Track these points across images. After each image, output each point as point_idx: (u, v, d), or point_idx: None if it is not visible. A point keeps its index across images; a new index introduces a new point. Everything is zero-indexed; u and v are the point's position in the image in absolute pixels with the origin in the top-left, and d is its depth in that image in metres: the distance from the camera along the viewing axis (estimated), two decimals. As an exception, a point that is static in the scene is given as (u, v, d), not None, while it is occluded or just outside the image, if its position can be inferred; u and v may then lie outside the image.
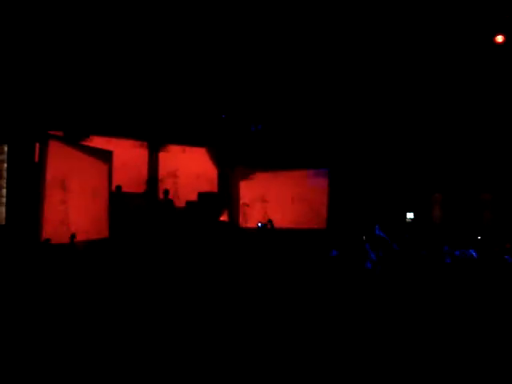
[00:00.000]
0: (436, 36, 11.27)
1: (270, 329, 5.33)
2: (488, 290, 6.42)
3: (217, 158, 15.35)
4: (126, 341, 5.03)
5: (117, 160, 12.58)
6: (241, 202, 14.84)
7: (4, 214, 9.79)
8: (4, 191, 9.88)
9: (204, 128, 14.56)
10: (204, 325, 5.23)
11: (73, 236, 9.95)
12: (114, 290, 7.64)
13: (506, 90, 12.56)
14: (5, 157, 9.96)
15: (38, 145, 10.21)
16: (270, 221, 13.49)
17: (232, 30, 10.96)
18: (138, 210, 13.07)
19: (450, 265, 8.15)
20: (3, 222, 9.75)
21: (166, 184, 14.25)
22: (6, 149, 9.95)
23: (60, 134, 11.84)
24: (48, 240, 9.54)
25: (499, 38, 10.51)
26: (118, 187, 12.78)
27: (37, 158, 10.20)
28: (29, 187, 9.94)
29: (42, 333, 5.15)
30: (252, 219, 14.59)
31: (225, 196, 14.98)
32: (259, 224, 13.37)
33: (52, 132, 11.03)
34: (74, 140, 12.29)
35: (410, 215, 15.26)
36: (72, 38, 10.69)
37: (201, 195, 14.18)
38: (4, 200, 9.84)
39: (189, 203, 14.03)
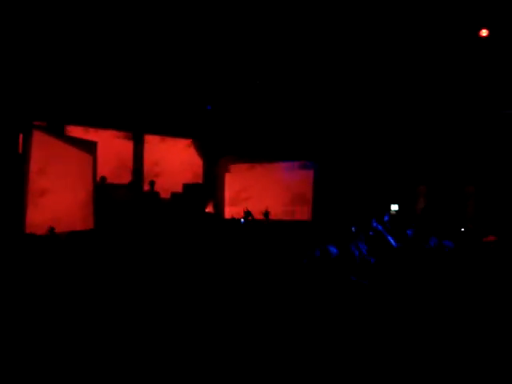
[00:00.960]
0: (422, 31, 11.30)
1: (256, 322, 5.34)
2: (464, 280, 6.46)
3: (202, 149, 15.36)
4: (110, 335, 5.02)
5: (101, 151, 12.52)
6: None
7: (-12, 205, 9.73)
8: (-13, 182, 9.82)
9: (189, 119, 14.54)
10: (191, 318, 5.23)
11: (52, 229, 9.89)
12: (99, 281, 7.62)
13: (489, 83, 12.65)
14: (-12, 148, 9.90)
15: (21, 135, 10.15)
16: (248, 212, 13.43)
17: (218, 22, 10.90)
18: (123, 202, 13.03)
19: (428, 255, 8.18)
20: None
21: (150, 175, 14.23)
22: (-12, 140, 9.90)
23: (44, 124, 11.77)
24: (32, 233, 9.50)
25: (484, 32, 10.58)
26: (103, 178, 12.73)
27: (20, 149, 10.14)
28: (12, 178, 9.88)
29: (26, 329, 5.13)
30: (237, 211, 14.59)
31: (210, 187, 14.99)
32: (242, 220, 13.31)
33: (36, 123, 10.96)
34: (57, 131, 12.23)
35: (394, 207, 15.34)
36: (54, 28, 10.58)
37: (186, 186, 14.17)
38: (-13, 191, 9.79)
39: (174, 194, 14.02)
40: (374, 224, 9.11)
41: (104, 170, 12.82)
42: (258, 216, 13.63)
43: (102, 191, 12.56)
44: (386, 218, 10.90)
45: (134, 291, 6.94)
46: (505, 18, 10.61)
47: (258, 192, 15.08)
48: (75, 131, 12.78)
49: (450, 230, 12.01)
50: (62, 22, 10.49)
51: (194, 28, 11.10)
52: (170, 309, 5.98)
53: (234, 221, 13.40)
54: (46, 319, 5.52)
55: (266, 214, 13.49)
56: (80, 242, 9.98)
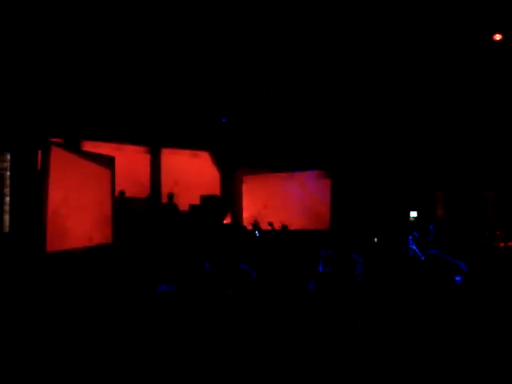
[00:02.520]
0: (436, 36, 11.27)
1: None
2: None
3: (219, 161, 15.42)
4: (128, 347, 5.05)
5: (119, 165, 12.63)
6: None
7: (8, 222, 9.86)
8: (7, 199, 9.95)
9: (205, 132, 14.60)
10: (208, 333, 5.23)
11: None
12: (118, 295, 7.66)
13: (506, 87, 12.55)
14: (7, 165, 10.03)
15: (40, 152, 10.27)
16: (255, 224, 13.47)
17: (230, 35, 10.97)
18: (141, 215, 13.11)
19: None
20: (7, 230, 9.81)
21: (168, 188, 14.30)
22: (8, 157, 10.03)
23: (61, 140, 11.91)
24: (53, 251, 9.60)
25: (497, 36, 10.51)
26: (122, 192, 12.84)
27: (39, 166, 10.25)
28: (32, 195, 10.00)
29: (47, 343, 5.18)
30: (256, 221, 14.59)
31: (228, 199, 15.03)
32: (256, 232, 13.28)
33: (53, 139, 11.09)
34: (75, 147, 12.36)
35: (413, 214, 15.26)
36: (70, 45, 10.72)
37: (204, 198, 14.22)
38: (7, 208, 9.91)
39: (192, 207, 14.08)
40: (410, 244, 9.00)
41: (122, 184, 12.92)
42: (277, 227, 13.64)
43: (121, 205, 12.66)
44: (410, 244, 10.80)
45: (152, 303, 6.97)
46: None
47: (276, 202, 15.07)
48: (93, 147, 12.90)
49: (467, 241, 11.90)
50: (77, 40, 10.63)
51: (207, 41, 11.17)
52: (189, 323, 5.99)
53: (251, 232, 13.42)
54: (66, 334, 5.58)
55: (284, 227, 13.49)
56: (100, 257, 10.06)
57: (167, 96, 13.23)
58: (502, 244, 11.68)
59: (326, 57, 12.12)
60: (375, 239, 11.20)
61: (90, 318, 6.30)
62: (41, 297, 7.20)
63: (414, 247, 8.98)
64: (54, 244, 9.83)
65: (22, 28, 9.71)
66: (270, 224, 13.21)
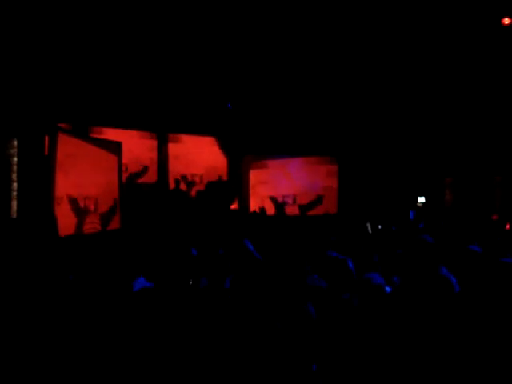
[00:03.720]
0: (440, 23, 11.17)
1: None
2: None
3: (226, 147, 15.40)
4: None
5: (126, 151, 12.65)
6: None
7: (16, 208, 9.89)
8: (15, 185, 9.98)
9: (212, 117, 14.57)
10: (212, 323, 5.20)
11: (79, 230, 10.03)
12: (126, 279, 7.67)
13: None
14: (15, 151, 10.05)
15: (47, 138, 10.28)
16: (262, 209, 13.56)
17: (234, 23, 10.93)
18: (149, 201, 13.14)
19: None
20: (15, 216, 9.85)
21: (176, 174, 14.32)
22: (15, 143, 10.04)
23: (69, 126, 11.92)
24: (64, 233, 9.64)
25: (506, 20, 10.40)
26: (129, 178, 12.87)
27: (46, 151, 10.26)
28: (39, 181, 10.02)
29: (54, 332, 5.19)
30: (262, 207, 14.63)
31: (235, 184, 15.03)
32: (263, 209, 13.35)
33: (61, 124, 11.10)
34: (82, 132, 12.37)
35: (421, 199, 15.21)
36: (77, 31, 10.71)
37: (211, 184, 14.24)
38: (15, 194, 9.94)
39: (199, 192, 14.10)
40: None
41: (129, 170, 12.96)
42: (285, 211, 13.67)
43: (128, 191, 12.68)
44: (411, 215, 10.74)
45: (162, 291, 6.96)
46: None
47: (283, 187, 15.07)
48: (100, 132, 12.91)
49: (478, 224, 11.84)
50: (87, 27, 10.62)
51: (212, 28, 11.13)
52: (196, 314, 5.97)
53: (257, 216, 13.45)
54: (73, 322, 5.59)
55: (262, 210, 13.57)
56: (108, 242, 10.09)
57: (174, 82, 13.21)
58: (508, 226, 11.62)
59: (334, 43, 12.06)
60: (379, 226, 11.15)
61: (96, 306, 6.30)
62: (48, 281, 7.22)
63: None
64: (62, 229, 9.85)
65: (28, 15, 9.70)
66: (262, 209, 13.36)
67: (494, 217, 12.48)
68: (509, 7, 10.41)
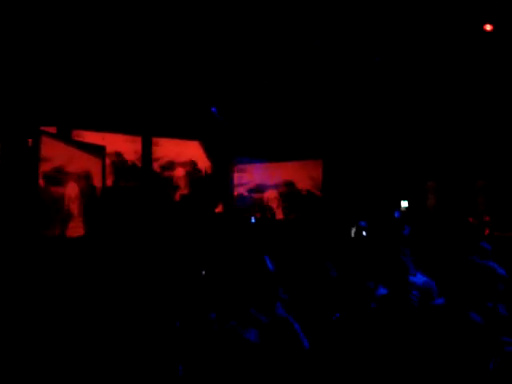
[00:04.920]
0: (425, 28, 11.26)
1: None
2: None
3: (210, 151, 15.39)
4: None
5: (110, 155, 12.61)
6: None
7: (-2, 211, 9.82)
8: (-3, 188, 9.91)
9: (196, 121, 14.57)
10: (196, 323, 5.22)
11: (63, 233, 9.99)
12: (107, 285, 7.65)
13: (496, 78, 12.57)
14: (-3, 154, 9.99)
15: (30, 141, 10.23)
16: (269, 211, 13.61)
17: (221, 24, 10.95)
18: (133, 204, 13.11)
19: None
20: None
21: (160, 178, 14.29)
22: (-2, 146, 9.99)
23: (52, 129, 11.86)
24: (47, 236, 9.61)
25: (488, 27, 10.51)
26: (112, 182, 12.82)
27: (30, 155, 10.21)
28: (23, 184, 9.96)
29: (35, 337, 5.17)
30: (248, 211, 14.68)
31: (219, 188, 15.04)
32: (252, 219, 13.40)
33: (44, 128, 11.04)
34: (66, 136, 12.32)
35: (404, 204, 15.29)
36: (62, 33, 10.67)
37: (195, 188, 14.23)
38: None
39: (184, 196, 14.08)
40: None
41: (113, 173, 12.90)
42: (269, 215, 13.70)
43: (112, 195, 12.64)
44: (396, 215, 10.84)
45: (139, 294, 6.95)
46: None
47: (267, 191, 15.11)
48: (84, 136, 12.86)
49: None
50: (68, 27, 10.58)
51: (196, 33, 11.14)
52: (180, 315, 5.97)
53: (244, 220, 13.46)
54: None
55: (273, 214, 13.62)
56: (89, 246, 10.05)
57: (159, 85, 13.20)
58: (487, 231, 11.78)
59: (317, 46, 12.11)
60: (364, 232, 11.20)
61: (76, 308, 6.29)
62: (31, 282, 7.18)
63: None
64: (45, 232, 9.82)
65: (11, 17, 9.65)
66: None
67: (471, 219, 12.63)
68: (491, 13, 10.53)
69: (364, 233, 10.30)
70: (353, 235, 10.61)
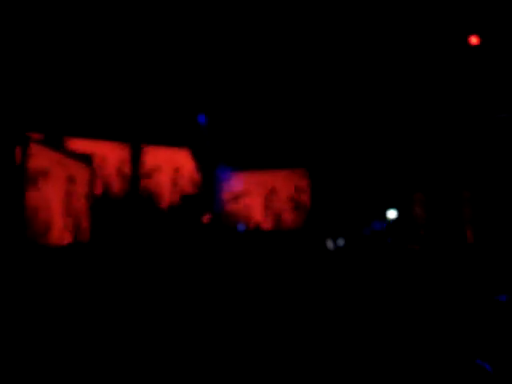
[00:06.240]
0: (414, 37, 11.37)
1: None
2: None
3: (199, 159, 15.37)
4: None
5: (99, 163, 12.59)
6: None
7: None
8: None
9: (186, 129, 14.57)
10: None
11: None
12: (99, 293, 7.65)
13: (483, 87, 12.69)
14: (-15, 161, 9.94)
15: (18, 148, 10.20)
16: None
17: (207, 36, 11.02)
18: (121, 213, 13.08)
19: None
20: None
21: (149, 186, 14.26)
22: (-15, 153, 9.94)
23: (41, 137, 11.83)
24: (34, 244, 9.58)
25: (474, 40, 10.63)
26: (101, 190, 12.79)
27: (18, 162, 10.18)
28: (10, 191, 9.93)
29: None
30: (234, 220, 14.68)
31: (207, 197, 15.02)
32: (240, 226, 13.42)
33: (33, 135, 11.01)
34: (55, 143, 12.28)
35: (392, 214, 15.33)
36: (52, 40, 10.68)
37: (183, 197, 14.22)
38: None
39: (172, 206, 14.06)
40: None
41: (102, 182, 12.87)
42: (256, 225, 13.69)
43: (100, 203, 12.60)
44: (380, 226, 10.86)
45: (131, 303, 6.97)
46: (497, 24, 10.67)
47: (256, 201, 15.11)
48: (73, 143, 12.82)
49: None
50: (59, 35, 10.59)
51: (185, 40, 11.19)
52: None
53: (231, 230, 13.47)
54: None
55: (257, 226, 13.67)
56: (76, 254, 10.02)
57: (149, 93, 13.22)
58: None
59: (305, 53, 12.18)
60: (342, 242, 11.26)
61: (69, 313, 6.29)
62: (18, 291, 7.16)
63: None
64: (32, 240, 9.78)
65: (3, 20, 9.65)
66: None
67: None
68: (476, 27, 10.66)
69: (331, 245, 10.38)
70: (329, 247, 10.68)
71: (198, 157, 15.36)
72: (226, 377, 4.18)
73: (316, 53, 12.13)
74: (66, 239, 10.89)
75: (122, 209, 13.28)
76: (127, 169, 14.31)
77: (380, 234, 13.04)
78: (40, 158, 10.45)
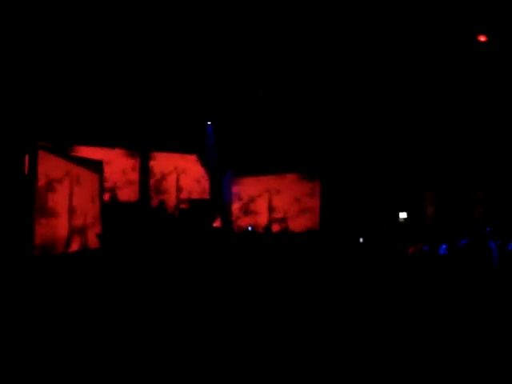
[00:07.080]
0: (424, 37, 11.29)
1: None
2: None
3: (208, 165, 15.38)
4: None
5: (108, 169, 12.60)
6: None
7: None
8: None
9: (194, 135, 14.59)
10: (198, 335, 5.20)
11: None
12: (107, 299, 7.61)
13: (495, 87, 12.61)
14: (-5, 170, 9.96)
15: (27, 157, 10.21)
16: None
17: (212, 42, 11.02)
18: (131, 219, 13.06)
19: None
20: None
21: (158, 192, 14.26)
22: (-5, 162, 9.96)
23: (49, 145, 11.85)
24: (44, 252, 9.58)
25: (482, 38, 10.55)
26: (110, 196, 12.79)
27: (27, 170, 10.19)
28: (20, 199, 9.93)
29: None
30: (243, 224, 14.67)
31: (217, 202, 15.01)
32: (249, 228, 13.39)
33: (41, 143, 11.03)
34: (63, 151, 12.30)
35: (402, 215, 15.28)
36: (61, 50, 10.71)
37: (193, 202, 14.20)
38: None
39: (182, 210, 14.04)
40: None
41: (110, 188, 12.89)
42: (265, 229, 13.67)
43: (110, 210, 12.60)
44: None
45: (141, 308, 6.93)
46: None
47: (266, 205, 15.07)
48: (82, 151, 12.85)
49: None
50: (69, 44, 10.62)
51: (190, 46, 11.20)
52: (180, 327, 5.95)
53: (242, 233, 13.45)
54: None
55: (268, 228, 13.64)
56: (88, 261, 10.01)
57: (157, 100, 13.24)
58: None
59: (313, 59, 12.15)
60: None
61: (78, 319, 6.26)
62: (25, 299, 7.14)
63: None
64: (41, 248, 9.77)
65: (7, 31, 9.68)
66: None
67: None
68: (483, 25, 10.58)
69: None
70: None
71: (206, 163, 15.35)
72: (239, 373, 4.15)
73: (326, 60, 12.10)
74: (75, 246, 10.88)
75: (131, 215, 13.27)
76: (136, 175, 14.33)
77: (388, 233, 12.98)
78: (49, 166, 10.45)
